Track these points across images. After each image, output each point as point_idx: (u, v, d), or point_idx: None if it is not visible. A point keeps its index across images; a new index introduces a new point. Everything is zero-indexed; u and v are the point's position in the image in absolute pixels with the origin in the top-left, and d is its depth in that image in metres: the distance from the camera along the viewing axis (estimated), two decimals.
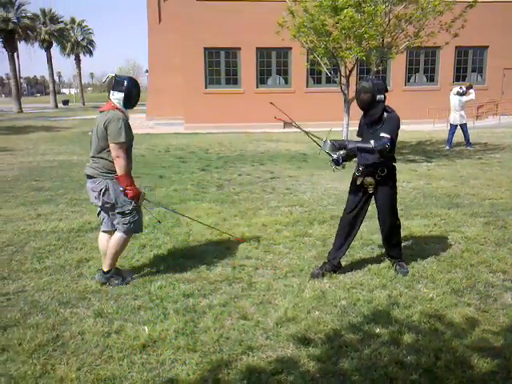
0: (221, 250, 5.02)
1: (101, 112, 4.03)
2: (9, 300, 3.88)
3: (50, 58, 52.19)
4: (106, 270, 4.14)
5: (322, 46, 10.44)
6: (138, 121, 26.42)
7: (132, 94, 4.02)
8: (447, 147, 13.12)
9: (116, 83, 3.98)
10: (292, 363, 2.98)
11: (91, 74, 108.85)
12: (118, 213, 4.03)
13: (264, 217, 6.27)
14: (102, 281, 4.13)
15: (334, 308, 3.69)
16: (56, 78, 72.76)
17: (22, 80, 79.17)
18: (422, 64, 21.05)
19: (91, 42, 61.15)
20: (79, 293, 4.00)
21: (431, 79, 21.27)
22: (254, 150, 13.47)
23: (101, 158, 3.96)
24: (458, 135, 13.19)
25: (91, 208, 6.68)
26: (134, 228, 4.14)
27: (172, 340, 3.23)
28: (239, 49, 20.14)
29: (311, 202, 7.16)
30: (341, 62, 10.92)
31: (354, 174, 4.35)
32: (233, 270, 4.48)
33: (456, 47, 19.96)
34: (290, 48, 18.71)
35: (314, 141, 4.37)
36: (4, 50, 43.66)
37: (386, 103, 4.18)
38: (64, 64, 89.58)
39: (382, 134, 4.03)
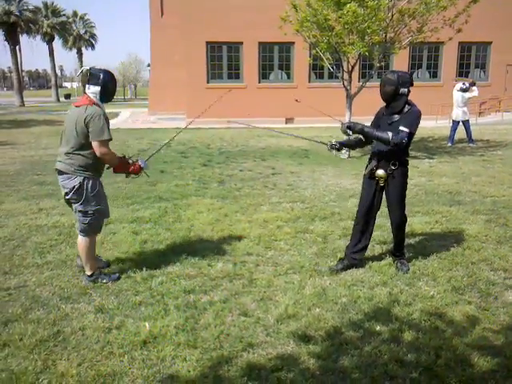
0: (222, 246, 5.02)
1: (76, 106, 3.91)
2: (10, 295, 3.89)
3: (52, 51, 52.13)
4: (89, 273, 4.11)
5: (325, 40, 10.40)
6: (141, 115, 26.44)
7: (109, 88, 3.93)
8: (449, 144, 13.07)
9: (91, 76, 3.87)
10: (292, 360, 2.99)
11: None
12: (79, 211, 3.96)
13: (265, 213, 6.26)
14: (91, 284, 4.08)
15: (335, 305, 3.69)
16: (58, 71, 72.75)
17: (23, 73, 79.11)
18: (425, 60, 20.96)
19: (93, 36, 61.09)
20: (80, 288, 4.00)
21: (434, 75, 21.18)
22: (256, 146, 13.45)
23: (78, 154, 3.85)
24: (461, 132, 13.15)
25: None
26: (91, 229, 4.07)
27: (173, 336, 3.24)
28: (241, 43, 20.07)
29: (312, 198, 7.15)
30: (343, 57, 10.87)
31: (366, 166, 4.35)
32: (234, 266, 4.48)
33: (459, 43, 19.85)
34: (293, 43, 18.63)
35: (355, 143, 4.42)
36: (6, 43, 43.62)
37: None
38: (66, 57, 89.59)
39: (401, 128, 4.01)
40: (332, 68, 11.47)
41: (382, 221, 5.28)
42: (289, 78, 20.86)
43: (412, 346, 3.11)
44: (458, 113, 12.94)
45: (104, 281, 4.10)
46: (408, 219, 5.69)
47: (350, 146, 4.66)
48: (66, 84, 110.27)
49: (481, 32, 18.93)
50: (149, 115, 25.74)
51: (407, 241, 5.03)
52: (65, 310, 3.62)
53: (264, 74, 20.74)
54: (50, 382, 2.78)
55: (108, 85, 3.92)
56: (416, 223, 5.70)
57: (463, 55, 20.99)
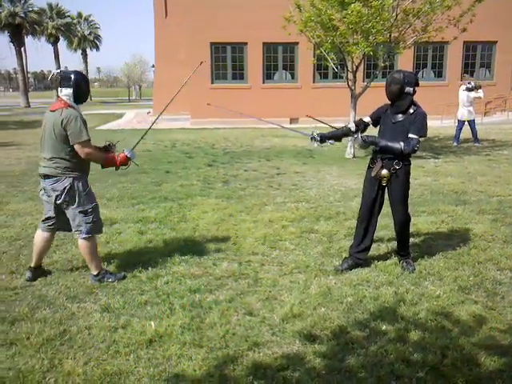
0: (227, 245, 5.03)
1: (52, 111, 3.90)
2: (17, 294, 3.91)
3: (57, 52, 52.40)
4: (95, 272, 4.14)
5: (329, 40, 10.37)
6: (145, 116, 26.49)
7: (81, 88, 3.91)
8: (455, 143, 13.02)
9: (62, 79, 3.86)
10: (298, 359, 2.98)
11: (98, 68, 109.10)
12: (79, 212, 3.97)
13: (270, 213, 6.26)
14: (97, 283, 4.10)
15: (340, 305, 3.68)
16: None
17: (29, 75, 79.49)
18: (430, 59, 20.87)
19: (98, 37, 61.31)
20: (86, 287, 4.02)
21: (439, 75, 21.09)
22: (260, 146, 13.45)
23: (61, 158, 3.86)
24: (466, 131, 13.09)
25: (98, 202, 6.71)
26: (97, 227, 4.11)
27: (178, 335, 3.24)
28: (246, 44, 20.07)
29: (317, 198, 7.15)
30: (348, 57, 10.84)
31: (368, 166, 4.35)
32: (239, 265, 4.49)
33: (464, 42, 19.75)
34: (297, 43, 18.61)
35: (343, 134, 4.47)
36: (11, 44, 43.87)
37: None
38: (71, 59, 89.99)
39: (411, 135, 4.04)
40: (336, 68, 11.45)
41: (388, 221, 5.25)
42: (293, 78, 20.84)
43: (418, 346, 3.10)
44: (463, 112, 12.89)
45: (110, 280, 4.12)
46: (414, 219, 5.69)
47: (335, 137, 4.60)
48: None
49: (486, 31, 18.83)
50: (153, 115, 25.78)
51: (413, 240, 5.02)
52: (71, 309, 3.63)
53: (268, 75, 20.73)
54: (56, 381, 2.80)
55: (80, 85, 3.91)
56: (422, 223, 5.68)
57: (468, 55, 20.89)
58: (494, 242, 5.04)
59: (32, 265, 4.18)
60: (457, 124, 13.24)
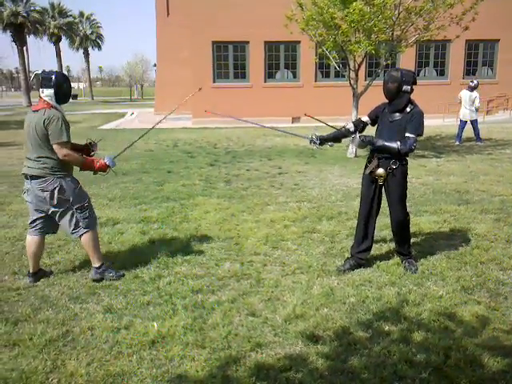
0: (229, 245, 5.02)
1: (34, 111, 3.92)
2: (19, 295, 3.92)
3: (59, 52, 52.47)
4: (97, 265, 4.16)
5: (331, 39, 10.36)
6: (147, 115, 26.50)
7: (63, 88, 3.92)
8: (457, 142, 12.99)
9: (43, 80, 3.87)
10: (301, 360, 2.98)
11: (100, 67, 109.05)
12: (76, 208, 3.99)
13: (272, 212, 6.26)
14: (97, 277, 4.13)
15: (343, 305, 3.68)
16: (65, 72, 73.05)
17: (31, 74, 79.54)
18: (432, 58, 20.83)
19: (100, 36, 61.33)
20: (89, 288, 4.02)
21: (441, 73, 21.05)
22: (262, 145, 13.45)
23: (47, 157, 3.88)
24: (468, 130, 13.06)
25: (100, 203, 6.73)
26: (94, 220, 4.18)
27: (181, 336, 3.24)
28: (247, 43, 20.06)
29: (319, 197, 7.14)
30: (350, 55, 10.83)
31: (366, 165, 4.34)
32: (241, 266, 4.49)
33: (466, 41, 19.71)
34: (299, 42, 18.60)
35: (342, 136, 4.44)
36: (13, 44, 43.93)
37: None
38: (73, 58, 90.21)
39: (408, 134, 4.03)
40: (338, 67, 11.44)
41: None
42: (295, 77, 20.82)
43: (421, 347, 3.10)
44: (465, 112, 12.87)
45: (111, 274, 4.15)
46: (416, 218, 5.70)
47: (335, 139, 4.58)
48: (72, 84, 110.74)
49: (488, 30, 18.79)
50: (155, 115, 25.79)
51: (415, 240, 5.01)
52: (74, 310, 3.63)
53: (270, 74, 20.72)
54: (59, 382, 2.80)
55: (62, 86, 3.92)
56: (424, 222, 5.67)
57: (470, 53, 20.84)
58: (496, 242, 5.02)
59: (30, 270, 4.18)
60: (459, 123, 13.22)
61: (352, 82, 11.17)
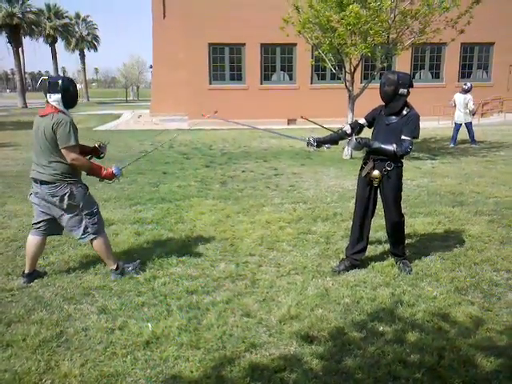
0: (224, 246, 5.02)
1: (42, 116, 3.92)
2: (13, 296, 3.90)
3: (55, 53, 52.33)
4: (114, 267, 4.20)
5: (327, 42, 10.38)
6: (143, 117, 26.46)
7: (70, 93, 3.94)
8: (452, 145, 13.05)
9: (50, 85, 3.88)
10: (295, 361, 2.98)
11: (96, 69, 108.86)
12: (86, 215, 4.01)
13: (267, 214, 6.26)
14: (119, 277, 4.16)
15: (338, 306, 3.69)
16: (61, 73, 72.87)
17: (26, 75, 79.36)
18: (428, 61, 20.91)
19: (96, 38, 61.25)
20: (83, 289, 4.01)
21: (436, 76, 21.14)
22: (258, 147, 13.46)
23: (57, 162, 3.88)
24: (463, 133, 13.13)
25: None
26: (102, 225, 4.21)
27: (175, 337, 3.24)
28: (244, 45, 20.07)
29: (315, 199, 7.15)
30: (346, 58, 10.86)
31: (361, 167, 4.36)
32: (236, 266, 4.48)
33: (462, 44, 19.81)
34: (295, 44, 18.62)
35: (339, 138, 4.44)
36: (9, 45, 43.80)
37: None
38: (68, 59, 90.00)
39: (404, 137, 4.04)
40: (334, 69, 11.47)
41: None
42: (291, 79, 20.85)
43: (415, 347, 3.11)
44: (460, 115, 12.93)
45: (130, 269, 4.23)
46: (410, 220, 5.71)
47: (332, 141, 4.58)
48: None
49: (483, 33, 18.88)
50: (150, 116, 25.77)
51: (410, 241, 5.02)
52: (68, 311, 3.62)
53: (266, 76, 20.73)
54: (53, 383, 2.79)
55: (69, 90, 3.93)
56: (418, 224, 5.69)
57: (466, 56, 20.94)
58: (490, 243, 5.05)
59: (26, 271, 4.16)
60: (454, 125, 13.28)
61: (348, 84, 11.20)
